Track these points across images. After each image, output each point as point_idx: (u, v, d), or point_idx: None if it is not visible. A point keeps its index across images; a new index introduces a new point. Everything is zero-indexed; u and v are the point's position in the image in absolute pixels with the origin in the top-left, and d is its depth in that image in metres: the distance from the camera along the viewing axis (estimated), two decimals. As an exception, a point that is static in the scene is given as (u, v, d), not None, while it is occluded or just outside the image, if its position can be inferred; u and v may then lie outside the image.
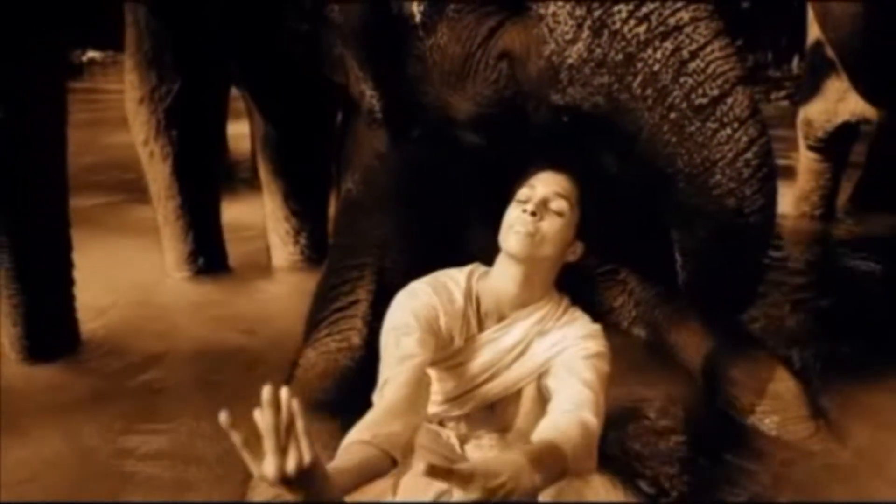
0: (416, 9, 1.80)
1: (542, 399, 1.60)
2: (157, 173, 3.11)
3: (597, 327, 1.64)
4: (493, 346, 1.62)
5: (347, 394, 1.92)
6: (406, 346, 1.49)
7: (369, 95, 1.98)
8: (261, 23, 2.19)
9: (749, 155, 1.68)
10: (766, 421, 2.13)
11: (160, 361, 2.56)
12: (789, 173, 4.26)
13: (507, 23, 1.76)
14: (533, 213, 1.55)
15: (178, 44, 2.86)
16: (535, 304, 1.63)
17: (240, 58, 2.94)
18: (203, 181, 3.18)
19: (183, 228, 3.17)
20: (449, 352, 1.61)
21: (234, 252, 3.39)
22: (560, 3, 1.68)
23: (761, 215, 1.73)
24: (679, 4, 1.65)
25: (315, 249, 3.32)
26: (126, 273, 3.20)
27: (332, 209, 3.18)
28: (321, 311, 2.18)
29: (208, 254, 3.24)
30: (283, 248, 3.35)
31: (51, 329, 2.50)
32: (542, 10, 1.70)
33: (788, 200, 4.18)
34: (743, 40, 7.89)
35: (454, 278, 1.64)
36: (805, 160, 4.01)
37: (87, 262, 2.69)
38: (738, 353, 2.28)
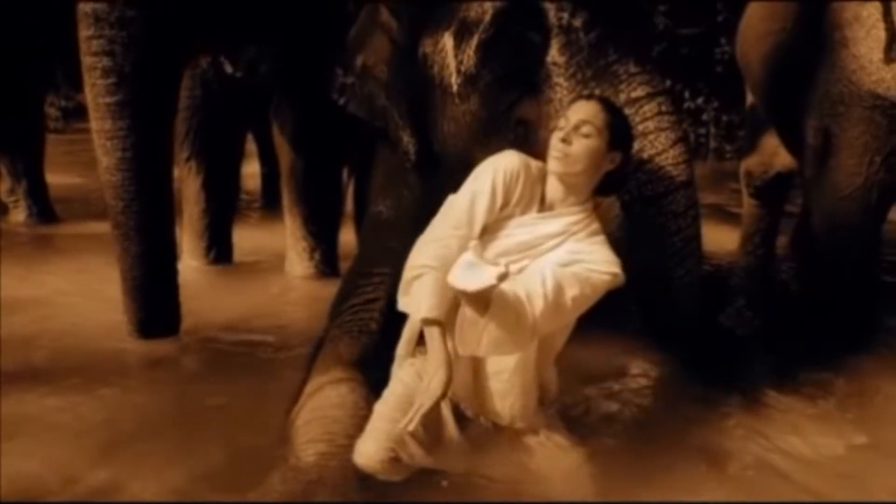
0: (454, 80, 2.24)
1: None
2: (192, 182, 3.87)
3: (615, 259, 1.92)
4: (534, 228, 1.96)
5: (368, 359, 2.32)
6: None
7: (406, 142, 2.38)
8: (309, 77, 2.74)
9: (673, 240, 2.22)
10: None
11: (206, 337, 3.13)
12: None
13: (524, 97, 2.20)
14: (563, 140, 1.90)
15: (225, 93, 3.61)
16: (578, 205, 1.97)
17: (286, 105, 3.65)
18: (223, 193, 3.99)
19: (202, 227, 3.97)
20: (503, 215, 1.98)
21: (245, 268, 4.05)
22: (565, 92, 2.16)
23: (682, 282, 2.25)
24: (649, 114, 2.15)
25: (327, 265, 3.87)
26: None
27: (342, 233, 3.88)
28: (344, 303, 2.46)
29: (219, 248, 4.02)
30: (299, 263, 3.89)
31: (162, 309, 2.93)
32: (551, 94, 2.19)
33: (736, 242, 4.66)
34: (718, 103, 8.47)
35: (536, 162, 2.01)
36: (747, 206, 4.43)
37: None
38: None
